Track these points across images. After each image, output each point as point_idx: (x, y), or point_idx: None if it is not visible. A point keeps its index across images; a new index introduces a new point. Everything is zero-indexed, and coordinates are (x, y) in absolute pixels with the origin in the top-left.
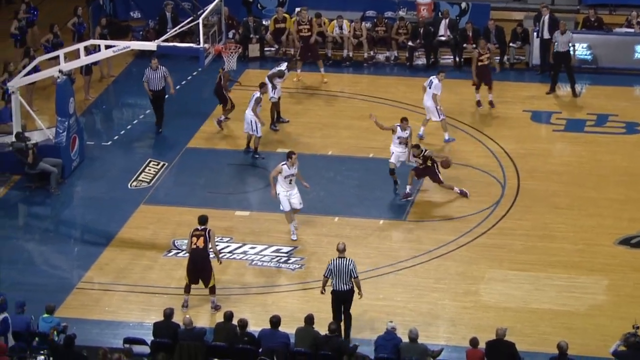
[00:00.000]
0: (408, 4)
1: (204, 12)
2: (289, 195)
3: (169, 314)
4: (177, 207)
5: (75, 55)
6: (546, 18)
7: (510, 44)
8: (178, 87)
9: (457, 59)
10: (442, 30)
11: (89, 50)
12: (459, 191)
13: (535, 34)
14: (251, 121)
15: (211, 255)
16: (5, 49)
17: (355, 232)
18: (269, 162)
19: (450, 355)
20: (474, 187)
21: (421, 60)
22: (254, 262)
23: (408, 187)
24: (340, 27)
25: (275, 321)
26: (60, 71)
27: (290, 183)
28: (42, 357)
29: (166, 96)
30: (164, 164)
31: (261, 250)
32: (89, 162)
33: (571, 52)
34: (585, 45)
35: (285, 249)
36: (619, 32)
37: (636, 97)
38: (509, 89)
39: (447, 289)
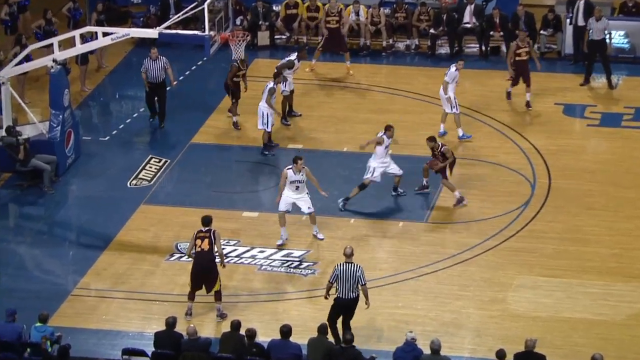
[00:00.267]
0: None
1: None
2: (296, 198)
3: (171, 323)
4: (180, 208)
5: (70, 43)
6: (581, 3)
7: (541, 32)
8: (182, 77)
9: (483, 48)
10: (467, 17)
11: (85, 38)
12: (458, 196)
13: (568, 20)
14: (263, 113)
15: (216, 259)
16: None
17: (373, 235)
18: (279, 158)
19: None
20: (501, 186)
21: (444, 49)
22: (263, 267)
23: (425, 180)
24: (357, 14)
25: (286, 331)
26: (54, 60)
27: (296, 189)
28: None
29: (168, 88)
30: (166, 161)
31: (271, 255)
32: (86, 159)
33: (607, 41)
34: (622, 32)
35: (297, 253)
36: None
37: None
38: (539, 81)
39: (472, 296)
